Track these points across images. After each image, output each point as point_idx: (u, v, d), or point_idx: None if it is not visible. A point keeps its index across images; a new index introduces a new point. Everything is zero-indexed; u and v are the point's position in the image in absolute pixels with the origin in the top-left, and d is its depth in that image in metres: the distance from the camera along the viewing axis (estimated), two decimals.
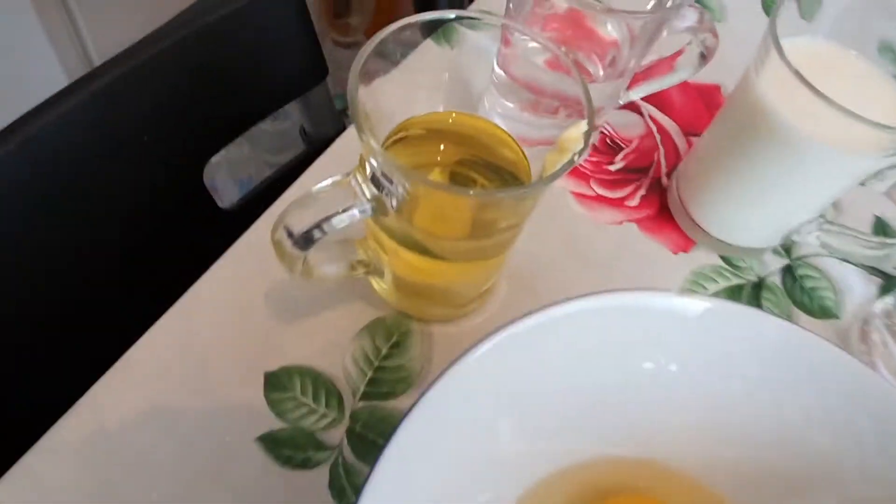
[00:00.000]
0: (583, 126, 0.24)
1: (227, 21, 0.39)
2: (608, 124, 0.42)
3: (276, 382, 0.31)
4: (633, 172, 0.41)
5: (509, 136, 0.30)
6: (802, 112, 0.30)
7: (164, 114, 0.39)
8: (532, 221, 0.38)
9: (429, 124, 0.30)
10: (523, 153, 0.29)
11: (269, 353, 0.32)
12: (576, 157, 0.23)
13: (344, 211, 0.25)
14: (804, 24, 0.33)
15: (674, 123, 0.43)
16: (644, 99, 0.44)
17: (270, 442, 0.30)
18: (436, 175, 0.31)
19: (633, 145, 0.42)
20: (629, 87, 0.38)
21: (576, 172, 0.40)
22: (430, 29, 0.38)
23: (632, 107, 0.44)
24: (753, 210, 0.35)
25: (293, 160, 0.55)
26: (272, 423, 0.30)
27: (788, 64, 0.29)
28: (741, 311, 0.24)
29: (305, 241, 0.25)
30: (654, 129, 0.43)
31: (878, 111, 0.29)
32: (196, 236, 0.40)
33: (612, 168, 0.41)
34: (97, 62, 0.77)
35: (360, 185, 0.25)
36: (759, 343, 0.24)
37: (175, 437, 0.29)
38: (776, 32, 0.29)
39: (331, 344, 0.33)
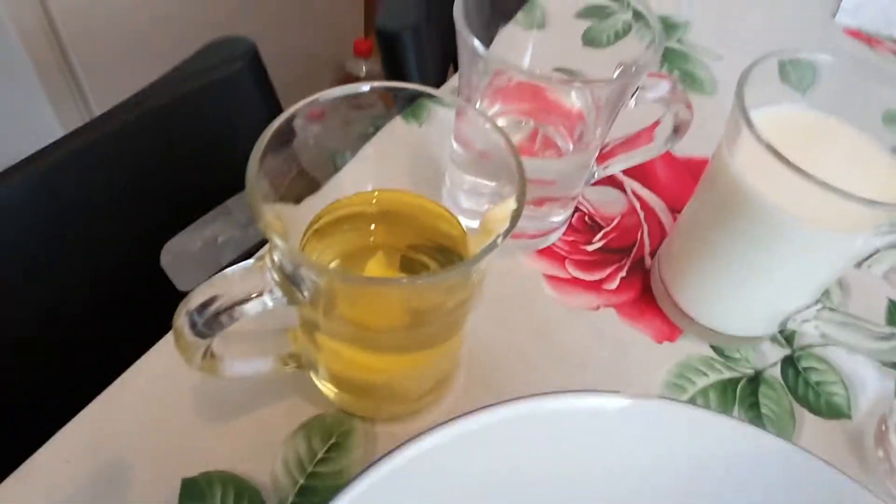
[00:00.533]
0: (510, 204, 0.21)
1: (190, 97, 0.39)
2: (586, 201, 0.40)
3: (192, 491, 0.28)
4: (614, 253, 0.38)
5: (445, 209, 0.27)
6: (781, 190, 0.27)
7: (126, 188, 0.38)
8: (498, 306, 0.35)
9: (358, 205, 0.27)
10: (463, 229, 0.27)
11: (190, 456, 0.29)
12: (499, 240, 0.20)
13: (253, 298, 0.23)
14: (785, 90, 0.30)
15: (659, 199, 0.40)
16: (627, 174, 0.41)
17: None
18: (379, 261, 0.28)
19: (615, 223, 0.39)
20: (604, 160, 0.36)
21: (550, 254, 0.37)
22: (401, 107, 0.37)
23: (614, 182, 0.41)
24: (741, 295, 0.31)
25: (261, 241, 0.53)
26: None
27: (758, 136, 0.26)
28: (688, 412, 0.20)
29: (207, 328, 0.22)
30: (638, 205, 0.40)
31: (869, 184, 0.26)
32: (155, 319, 0.37)
33: (590, 248, 0.38)
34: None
35: (270, 270, 0.23)
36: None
37: None
38: (744, 101, 0.27)
39: (261, 446, 0.29)
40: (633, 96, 0.32)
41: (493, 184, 0.34)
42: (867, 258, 0.27)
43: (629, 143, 0.35)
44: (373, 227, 0.28)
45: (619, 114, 0.32)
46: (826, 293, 0.37)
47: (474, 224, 0.36)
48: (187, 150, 0.38)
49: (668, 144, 0.34)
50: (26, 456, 0.28)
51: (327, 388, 0.30)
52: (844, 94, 0.30)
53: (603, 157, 0.36)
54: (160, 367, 0.31)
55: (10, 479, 0.27)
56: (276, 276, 0.22)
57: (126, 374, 0.31)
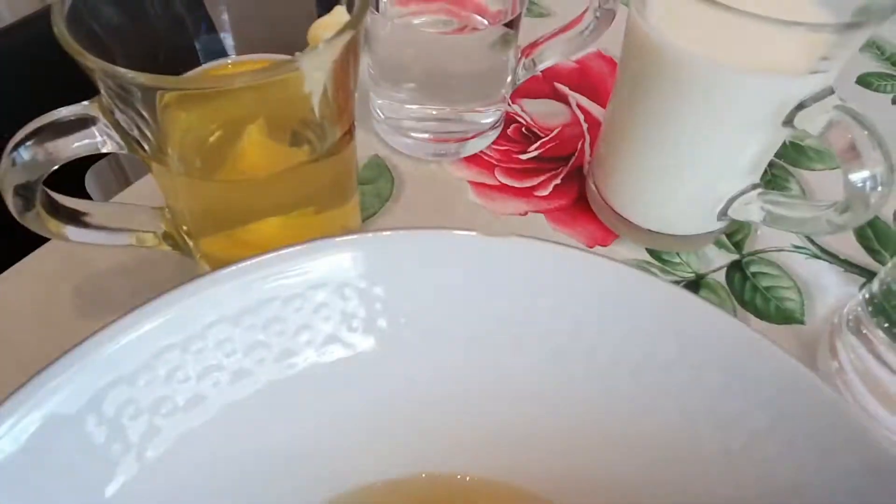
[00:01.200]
0: (340, 14, 0.19)
1: None
2: (525, 113, 0.37)
3: None
4: (550, 162, 0.35)
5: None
6: (699, 35, 0.24)
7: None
8: (416, 211, 0.32)
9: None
10: None
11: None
12: (321, 46, 0.18)
13: (82, 133, 0.21)
14: None
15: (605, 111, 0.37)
16: (573, 88, 0.39)
17: None
18: (260, 128, 0.25)
19: (554, 133, 0.36)
20: (530, 53, 0.33)
21: (478, 161, 0.34)
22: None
23: (557, 96, 0.38)
24: (670, 181, 0.28)
25: None
26: None
27: None
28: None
29: (29, 165, 0.20)
30: (581, 117, 0.37)
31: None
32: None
33: (524, 157, 0.35)
34: None
35: (104, 113, 0.21)
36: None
37: None
38: None
39: None
40: None
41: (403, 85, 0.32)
42: (794, 114, 0.23)
43: (555, 34, 0.32)
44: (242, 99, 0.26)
45: (555, 14, 0.30)
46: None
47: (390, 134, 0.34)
48: None
49: (593, 31, 0.31)
50: None
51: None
52: None
53: (530, 50, 0.33)
54: (46, 268, 0.29)
55: None
56: (105, 117, 0.20)
57: (3, 274, 0.29)
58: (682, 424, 0.18)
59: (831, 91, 0.23)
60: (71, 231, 0.23)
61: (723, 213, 0.28)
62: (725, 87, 0.23)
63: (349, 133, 0.23)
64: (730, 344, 0.18)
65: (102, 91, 0.20)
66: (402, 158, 0.34)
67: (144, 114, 0.20)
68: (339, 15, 0.19)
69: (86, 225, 0.23)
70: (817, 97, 0.23)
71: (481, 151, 0.35)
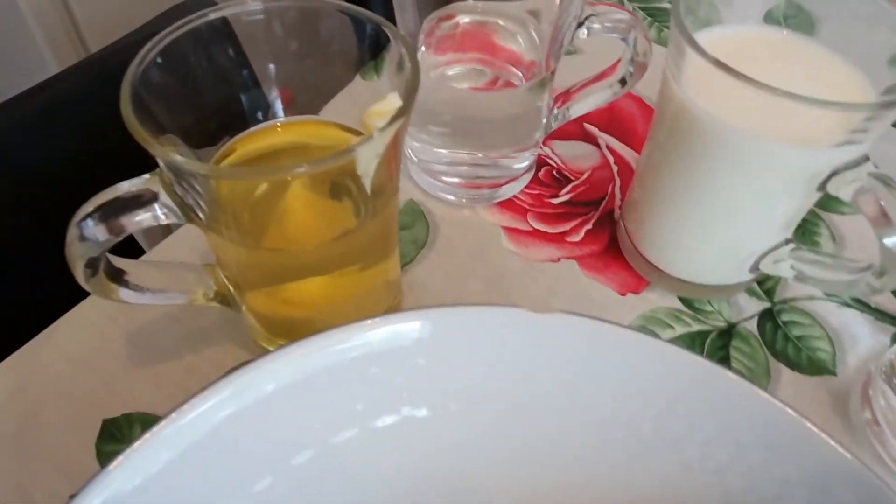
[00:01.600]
0: (393, 100, 0.20)
1: None
2: (556, 155, 0.38)
3: (112, 431, 0.27)
4: (582, 206, 0.35)
5: (357, 132, 0.25)
6: (730, 106, 0.24)
7: (78, 150, 0.38)
8: (451, 257, 0.33)
9: (268, 138, 0.26)
10: None
11: (114, 399, 0.28)
12: (376, 134, 0.19)
13: (143, 208, 0.22)
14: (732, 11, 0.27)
15: (635, 154, 0.38)
16: (603, 129, 0.39)
17: None
18: (304, 184, 0.26)
19: (584, 177, 0.37)
20: (564, 103, 0.34)
21: (511, 206, 0.35)
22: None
23: (587, 138, 0.39)
24: (703, 236, 0.29)
25: None
26: None
27: (702, 52, 0.23)
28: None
29: (93, 238, 0.21)
30: (612, 159, 0.38)
31: (829, 94, 0.23)
32: None
33: (556, 201, 0.35)
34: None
35: (161, 184, 0.22)
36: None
37: None
38: (682, 20, 0.24)
39: (188, 391, 0.28)
40: (582, 25, 0.30)
41: (436, 130, 0.32)
42: (828, 179, 0.24)
43: (588, 83, 0.33)
44: (287, 163, 0.27)
45: (578, 62, 0.30)
46: (817, 245, 0.34)
47: (423, 177, 0.35)
48: None
49: (626, 82, 0.32)
50: None
51: (256, 332, 0.28)
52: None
53: (564, 99, 0.34)
54: (98, 315, 0.30)
55: None
56: (165, 190, 0.22)
57: (61, 320, 0.30)
58: (721, 499, 0.19)
59: (866, 158, 0.24)
60: (126, 294, 0.24)
61: (754, 268, 0.29)
62: (759, 156, 0.24)
63: (395, 195, 0.24)
64: (769, 423, 0.18)
65: (162, 167, 0.21)
66: (436, 203, 0.35)
67: (198, 188, 0.21)
68: (392, 101, 0.20)
69: (140, 288, 0.24)
70: (851, 165, 0.23)
71: (514, 196, 0.36)
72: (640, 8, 0.47)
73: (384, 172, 0.21)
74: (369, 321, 0.19)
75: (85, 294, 0.31)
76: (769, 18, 0.29)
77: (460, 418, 0.20)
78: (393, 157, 0.21)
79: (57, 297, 0.33)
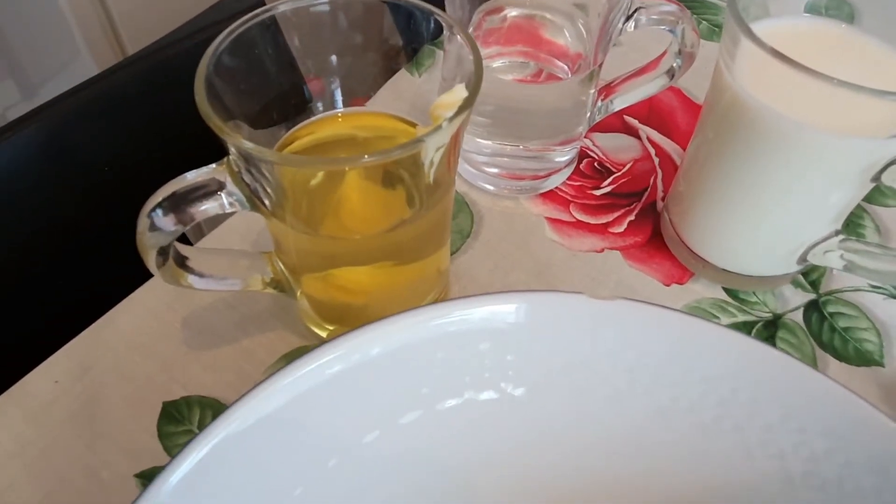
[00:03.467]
0: (460, 91, 0.20)
1: (196, 50, 0.39)
2: (597, 147, 0.38)
3: (172, 413, 0.28)
4: (624, 197, 0.36)
5: (413, 124, 0.26)
6: (784, 96, 0.24)
7: (135, 141, 0.39)
8: (496, 248, 0.34)
9: (327, 129, 0.27)
10: None
11: (173, 383, 0.29)
12: (444, 124, 0.19)
13: (210, 197, 0.22)
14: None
15: (676, 145, 0.38)
16: (643, 122, 0.39)
17: (151, 480, 0.26)
18: (359, 173, 0.27)
19: (626, 168, 0.37)
20: (608, 95, 0.34)
21: (553, 197, 0.36)
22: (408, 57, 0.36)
23: (628, 130, 0.39)
24: (751, 227, 0.29)
25: None
26: (159, 459, 0.27)
27: (760, 42, 0.24)
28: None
29: (164, 227, 0.22)
30: (653, 151, 0.38)
31: (883, 84, 0.23)
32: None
33: (598, 192, 0.36)
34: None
35: (228, 172, 0.23)
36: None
37: (46, 475, 0.26)
38: (738, 10, 0.24)
39: (244, 375, 0.29)
40: (631, 18, 0.30)
41: (479, 120, 0.33)
42: (884, 169, 0.24)
43: (633, 75, 0.33)
44: (347, 152, 0.27)
45: (621, 53, 0.31)
46: (861, 237, 0.34)
47: (466, 167, 0.35)
48: (192, 103, 0.39)
49: (673, 74, 0.32)
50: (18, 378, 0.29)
51: (309, 318, 0.29)
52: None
53: (608, 92, 0.34)
54: (153, 301, 0.31)
55: (3, 397, 0.28)
56: (232, 179, 0.22)
57: (120, 305, 0.31)
58: (782, 485, 0.19)
59: None
60: (195, 280, 0.25)
61: (802, 259, 0.29)
62: (812, 147, 0.24)
63: (451, 188, 0.25)
64: (832, 407, 0.19)
65: (233, 155, 0.22)
66: (479, 194, 0.36)
67: (267, 176, 0.22)
68: (458, 93, 0.20)
69: (204, 275, 0.25)
70: None
71: (556, 187, 0.36)
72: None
73: (444, 164, 0.22)
74: (466, 299, 0.19)
75: (140, 281, 0.32)
76: (811, 10, 0.29)
77: (527, 402, 0.21)
78: (453, 149, 0.22)
79: (112, 282, 0.34)
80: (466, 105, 0.20)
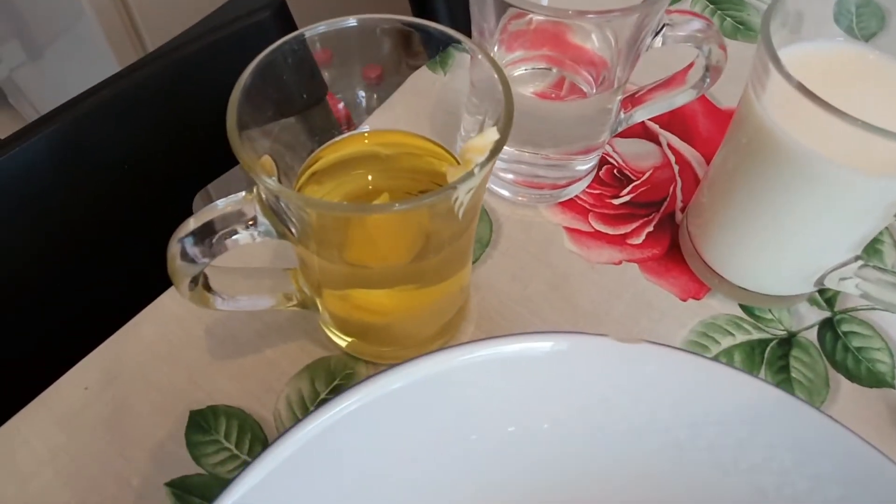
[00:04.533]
0: (491, 134, 0.20)
1: (216, 46, 0.39)
2: (616, 153, 0.38)
3: (199, 422, 0.29)
4: (643, 207, 0.36)
5: (443, 148, 0.26)
6: (813, 130, 0.24)
7: (152, 139, 0.39)
8: (514, 258, 0.34)
9: (353, 147, 0.27)
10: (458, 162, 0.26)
11: (199, 391, 0.30)
12: (476, 170, 0.19)
13: (241, 229, 0.23)
14: (820, 25, 0.27)
15: (696, 153, 0.38)
16: (664, 127, 0.39)
17: (181, 488, 0.27)
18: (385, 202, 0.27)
19: (645, 177, 0.37)
20: (633, 106, 0.34)
21: (572, 206, 0.36)
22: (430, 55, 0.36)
23: (648, 135, 0.39)
24: (771, 249, 0.29)
25: None
26: (187, 468, 0.28)
27: (788, 76, 0.23)
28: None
29: (196, 256, 0.22)
30: (673, 158, 0.38)
31: None
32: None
33: (617, 202, 0.36)
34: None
35: (257, 203, 0.23)
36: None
37: (78, 481, 0.27)
38: (770, 37, 0.24)
39: (267, 384, 0.30)
40: (658, 34, 0.30)
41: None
42: None
43: (659, 87, 0.33)
44: (370, 170, 0.27)
45: (649, 56, 0.30)
46: (879, 254, 0.34)
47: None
48: (214, 100, 0.39)
49: (699, 89, 0.31)
50: (49, 383, 0.30)
51: (331, 332, 0.30)
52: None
53: (632, 103, 0.34)
54: (176, 308, 0.32)
55: (35, 403, 0.29)
56: (261, 209, 0.22)
57: (144, 312, 0.32)
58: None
59: None
60: (220, 302, 0.25)
61: (819, 282, 0.29)
62: (839, 182, 0.24)
63: (476, 217, 0.25)
64: (848, 457, 0.19)
65: (258, 188, 0.22)
66: (498, 202, 0.36)
67: (292, 209, 0.22)
68: (489, 136, 0.20)
69: (228, 298, 0.26)
70: None
71: (575, 195, 0.36)
72: None
73: (474, 200, 0.22)
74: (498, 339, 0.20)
75: (159, 280, 0.33)
76: (840, 18, 0.28)
77: (549, 436, 0.21)
78: (483, 185, 0.22)
79: (132, 282, 0.34)
80: (497, 149, 0.20)
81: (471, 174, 0.19)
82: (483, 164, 0.19)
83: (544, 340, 0.20)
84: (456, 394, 0.20)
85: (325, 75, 0.26)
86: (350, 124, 0.28)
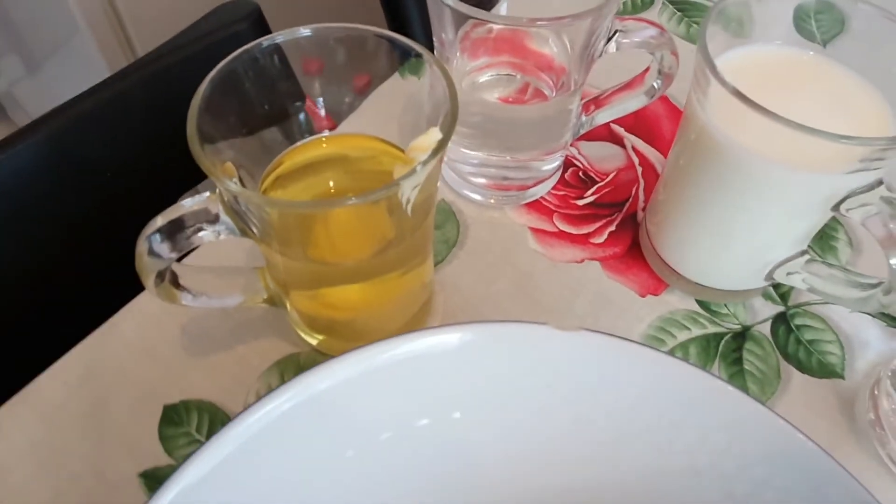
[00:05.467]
0: (434, 134, 0.21)
1: (197, 56, 0.41)
2: (582, 156, 0.39)
3: (172, 416, 0.30)
4: (606, 207, 0.37)
5: (397, 147, 0.27)
6: (750, 131, 0.25)
7: (135, 146, 0.41)
8: (480, 258, 0.35)
9: (313, 151, 0.28)
10: None
11: (173, 386, 0.31)
12: (419, 167, 0.21)
13: (205, 227, 0.24)
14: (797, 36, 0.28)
15: (660, 155, 0.39)
16: (629, 130, 0.40)
17: (153, 480, 0.28)
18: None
19: (609, 178, 0.38)
20: (595, 109, 0.35)
21: (538, 207, 0.37)
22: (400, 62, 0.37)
23: (613, 138, 0.40)
24: (720, 245, 0.30)
25: None
26: (160, 460, 0.29)
27: (723, 81, 0.25)
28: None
29: (162, 252, 0.24)
30: (636, 160, 0.39)
31: (847, 122, 0.25)
32: None
33: (581, 203, 0.37)
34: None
35: (220, 203, 0.24)
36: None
37: (57, 473, 0.28)
38: (706, 45, 0.25)
39: (238, 380, 0.31)
40: (611, 40, 0.31)
41: (465, 132, 0.34)
42: (842, 201, 0.25)
43: (618, 91, 0.34)
44: (332, 173, 0.29)
45: (608, 63, 0.32)
46: (833, 250, 0.35)
47: (453, 176, 0.36)
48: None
49: (652, 94, 0.33)
50: (30, 380, 0.31)
51: (300, 330, 0.31)
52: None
53: (595, 105, 0.35)
54: (154, 307, 0.33)
55: (15, 399, 0.30)
56: (224, 209, 0.24)
57: (122, 311, 0.33)
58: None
59: (880, 182, 0.25)
60: (188, 299, 0.26)
61: (769, 276, 0.30)
62: (776, 180, 0.25)
63: (431, 211, 0.26)
64: (773, 439, 0.20)
65: (220, 189, 0.23)
66: (466, 203, 0.37)
67: (253, 209, 0.24)
68: (432, 135, 0.21)
69: (197, 294, 0.27)
70: (865, 189, 0.25)
71: (541, 197, 0.37)
72: (669, 2, 0.48)
73: (424, 195, 0.23)
74: (415, 333, 0.21)
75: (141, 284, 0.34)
76: (799, 11, 0.30)
77: (481, 424, 0.22)
78: (432, 181, 0.23)
79: (117, 285, 0.36)
80: (439, 148, 0.21)
81: (413, 171, 0.21)
82: (425, 162, 0.21)
83: (471, 332, 0.22)
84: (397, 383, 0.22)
85: (302, 82, 0.27)
86: (321, 128, 0.29)
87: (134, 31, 0.87)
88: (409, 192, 0.21)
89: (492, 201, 0.37)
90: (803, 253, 0.29)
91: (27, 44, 1.09)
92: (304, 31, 0.25)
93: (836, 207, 0.26)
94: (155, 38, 0.88)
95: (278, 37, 0.25)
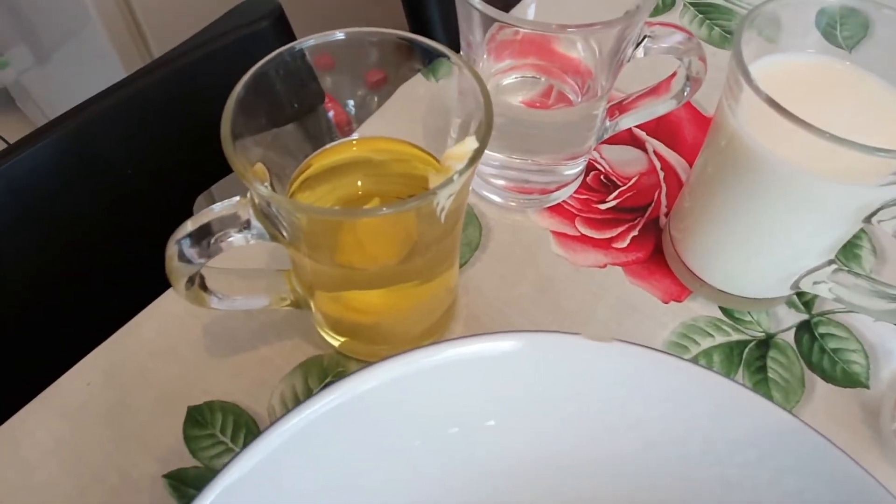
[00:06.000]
0: (471, 143, 0.21)
1: (218, 54, 0.40)
2: (603, 160, 0.39)
3: (196, 417, 0.30)
4: (628, 212, 0.37)
5: (432, 155, 0.27)
6: (783, 140, 0.25)
7: (155, 145, 0.41)
8: (503, 261, 0.35)
9: (342, 154, 0.28)
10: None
11: (196, 387, 0.31)
12: (455, 177, 0.21)
13: (235, 231, 0.24)
14: (796, 39, 0.28)
15: (682, 159, 0.39)
16: (650, 134, 0.40)
17: (178, 480, 0.28)
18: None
19: (631, 182, 0.38)
20: (619, 114, 0.35)
21: (560, 211, 0.37)
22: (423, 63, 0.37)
23: (635, 142, 0.40)
24: (747, 253, 0.30)
25: None
26: (184, 461, 0.29)
27: (757, 89, 0.24)
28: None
29: (192, 257, 0.24)
30: (658, 165, 0.39)
31: (881, 134, 0.24)
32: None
33: (603, 207, 0.37)
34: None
35: (251, 207, 0.24)
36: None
37: (81, 472, 0.28)
38: (741, 52, 0.25)
39: (262, 381, 0.31)
40: (640, 45, 0.31)
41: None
42: (875, 212, 0.25)
43: (644, 96, 0.34)
44: (360, 175, 0.29)
45: (639, 65, 0.31)
46: (857, 258, 0.35)
47: (474, 178, 0.36)
48: (213, 107, 0.40)
49: (680, 99, 0.33)
50: (54, 380, 0.31)
51: (324, 332, 0.31)
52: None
53: (619, 111, 0.35)
54: (176, 308, 0.33)
55: (40, 398, 0.30)
56: (255, 213, 0.24)
57: (144, 312, 0.33)
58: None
59: None
60: (216, 301, 0.26)
61: (795, 286, 0.30)
62: (808, 190, 0.25)
63: (461, 219, 0.26)
64: (805, 453, 0.20)
65: (251, 193, 0.23)
66: (488, 206, 0.37)
67: (284, 214, 0.23)
68: (468, 144, 0.21)
69: (224, 297, 0.27)
70: None
71: (563, 200, 0.37)
72: (690, 4, 0.47)
73: (456, 203, 0.23)
74: (456, 340, 0.21)
75: (162, 284, 0.34)
76: (826, 17, 0.29)
77: (512, 431, 0.22)
78: (465, 189, 0.23)
79: (136, 285, 0.36)
80: (476, 157, 0.21)
81: (450, 180, 0.20)
82: (462, 171, 0.21)
83: (517, 339, 0.22)
84: (437, 388, 0.22)
85: (327, 81, 0.27)
86: (347, 130, 0.29)
87: (145, 21, 0.87)
88: (444, 200, 0.21)
89: (512, 204, 0.37)
90: (830, 262, 0.29)
91: (37, 33, 1.09)
92: (339, 35, 0.25)
93: (868, 219, 0.26)
94: (166, 28, 0.88)
95: (310, 40, 0.25)
